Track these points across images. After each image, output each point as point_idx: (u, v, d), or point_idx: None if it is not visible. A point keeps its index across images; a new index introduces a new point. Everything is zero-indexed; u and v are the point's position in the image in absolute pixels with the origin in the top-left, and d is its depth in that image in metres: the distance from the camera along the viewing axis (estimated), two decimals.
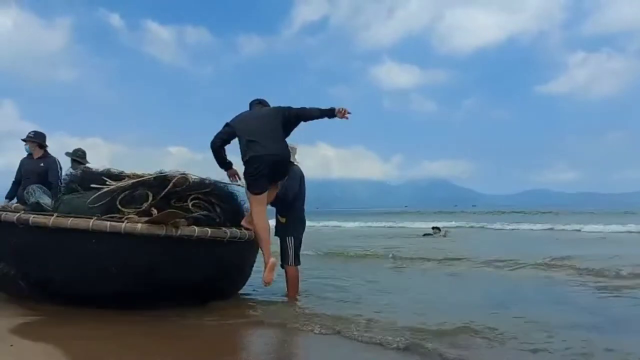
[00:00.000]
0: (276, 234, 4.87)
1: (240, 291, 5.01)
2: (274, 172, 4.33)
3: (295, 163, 4.90)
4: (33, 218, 3.80)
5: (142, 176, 4.14)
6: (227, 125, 4.49)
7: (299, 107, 4.48)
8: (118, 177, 4.20)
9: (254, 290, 5.21)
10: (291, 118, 4.43)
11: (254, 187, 4.29)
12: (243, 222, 4.41)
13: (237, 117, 4.55)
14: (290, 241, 4.80)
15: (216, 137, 4.47)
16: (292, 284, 4.83)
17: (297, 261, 4.82)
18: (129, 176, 4.19)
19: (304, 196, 4.97)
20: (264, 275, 4.24)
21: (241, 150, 4.36)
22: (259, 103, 4.76)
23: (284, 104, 4.54)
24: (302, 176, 4.95)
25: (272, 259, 4.28)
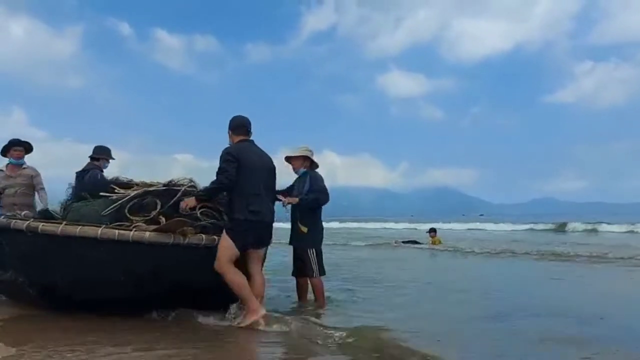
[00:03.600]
0: (291, 242, 4.79)
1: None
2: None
3: (315, 167, 4.85)
4: (42, 226, 3.82)
5: (151, 185, 4.16)
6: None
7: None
8: (127, 185, 4.22)
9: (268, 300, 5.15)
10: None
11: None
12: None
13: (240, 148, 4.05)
14: (312, 253, 4.66)
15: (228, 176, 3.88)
16: (319, 293, 4.77)
17: (322, 271, 4.75)
18: (137, 184, 4.22)
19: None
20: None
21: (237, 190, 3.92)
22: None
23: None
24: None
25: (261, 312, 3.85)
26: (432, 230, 15.23)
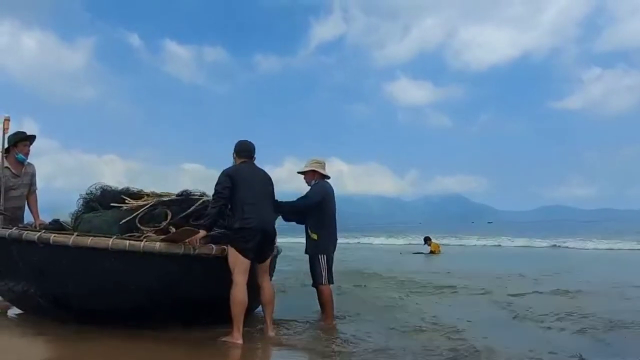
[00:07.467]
0: (306, 251, 4.80)
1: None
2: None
3: (326, 178, 4.88)
4: (54, 237, 3.83)
5: (162, 195, 4.18)
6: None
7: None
8: (137, 195, 4.24)
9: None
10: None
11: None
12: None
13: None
14: (323, 259, 4.67)
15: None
16: (328, 303, 4.72)
17: (330, 279, 4.72)
18: (147, 195, 4.23)
19: (335, 212, 4.85)
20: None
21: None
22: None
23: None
24: (327, 191, 4.80)
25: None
26: (428, 239, 15.59)
